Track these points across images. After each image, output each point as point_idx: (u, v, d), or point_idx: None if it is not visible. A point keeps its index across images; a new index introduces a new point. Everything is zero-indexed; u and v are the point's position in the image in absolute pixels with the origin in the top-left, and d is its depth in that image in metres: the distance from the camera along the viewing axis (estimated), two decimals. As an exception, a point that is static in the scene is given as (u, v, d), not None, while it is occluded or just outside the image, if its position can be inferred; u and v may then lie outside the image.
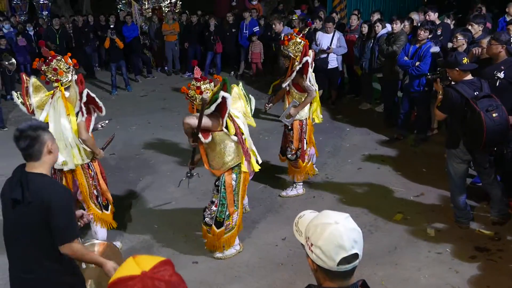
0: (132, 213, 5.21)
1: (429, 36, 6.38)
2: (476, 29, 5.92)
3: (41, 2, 15.90)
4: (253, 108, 4.47)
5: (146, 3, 13.72)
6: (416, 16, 8.22)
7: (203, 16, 12.50)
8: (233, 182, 4.10)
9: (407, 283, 3.84)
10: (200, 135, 3.83)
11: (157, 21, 12.40)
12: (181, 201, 5.37)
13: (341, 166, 6.25)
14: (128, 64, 11.35)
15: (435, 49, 6.15)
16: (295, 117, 5.14)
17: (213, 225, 4.16)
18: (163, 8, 13.85)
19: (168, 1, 14.05)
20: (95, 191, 4.17)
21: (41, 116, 3.93)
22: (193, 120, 3.78)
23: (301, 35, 5.12)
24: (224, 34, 11.36)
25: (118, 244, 4.45)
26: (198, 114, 3.78)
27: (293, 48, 4.98)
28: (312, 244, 1.56)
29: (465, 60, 4.20)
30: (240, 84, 4.60)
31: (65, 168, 3.95)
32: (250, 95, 4.49)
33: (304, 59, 4.90)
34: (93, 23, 12.41)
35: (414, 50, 6.35)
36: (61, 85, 3.93)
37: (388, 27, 7.71)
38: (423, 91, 6.41)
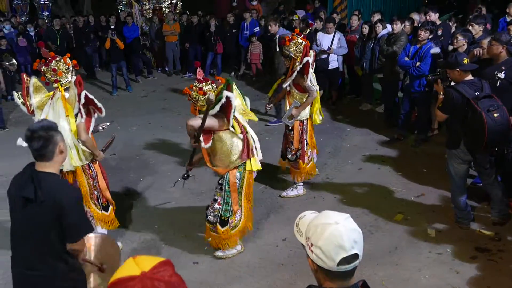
0: (132, 213, 5.21)
1: (430, 37, 6.38)
2: (476, 29, 5.92)
3: (41, 2, 15.90)
4: (248, 107, 4.47)
5: (147, 4, 13.73)
6: (416, 17, 8.22)
7: (204, 17, 12.51)
8: (237, 181, 4.11)
9: (408, 284, 3.84)
10: (201, 139, 3.84)
11: (157, 21, 12.41)
12: (181, 201, 5.37)
13: (341, 167, 6.25)
14: (128, 65, 11.36)
15: (436, 50, 6.14)
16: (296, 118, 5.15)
17: (217, 224, 4.17)
18: (164, 9, 13.86)
19: (169, 1, 14.06)
20: (95, 192, 4.17)
21: (40, 117, 3.92)
22: (196, 122, 3.80)
23: (302, 35, 5.12)
24: (224, 34, 11.38)
25: (118, 244, 4.45)
26: (201, 115, 3.79)
27: (294, 48, 4.98)
28: (312, 244, 1.56)
29: (465, 61, 4.20)
30: (234, 84, 4.60)
31: (64, 169, 3.95)
32: (245, 96, 4.50)
33: (305, 59, 4.91)
34: (94, 24, 12.41)
35: (415, 51, 6.35)
36: (61, 86, 3.93)
37: (389, 27, 7.71)
38: (423, 92, 6.40)
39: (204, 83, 3.93)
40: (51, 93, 4.05)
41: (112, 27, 10.93)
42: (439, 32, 7.10)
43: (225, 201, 4.13)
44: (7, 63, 8.64)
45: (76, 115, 3.86)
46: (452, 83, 4.35)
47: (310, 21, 9.49)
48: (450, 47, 6.11)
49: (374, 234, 4.57)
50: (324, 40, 8.21)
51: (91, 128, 4.02)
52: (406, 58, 6.44)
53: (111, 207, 4.35)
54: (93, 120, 4.03)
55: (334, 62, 8.35)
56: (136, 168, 6.44)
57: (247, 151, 4.07)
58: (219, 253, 4.30)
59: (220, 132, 3.94)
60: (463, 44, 5.61)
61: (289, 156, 5.30)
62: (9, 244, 2.61)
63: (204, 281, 4.00)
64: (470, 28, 5.98)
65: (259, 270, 4.12)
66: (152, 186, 5.84)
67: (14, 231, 2.56)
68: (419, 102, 6.64)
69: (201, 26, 11.80)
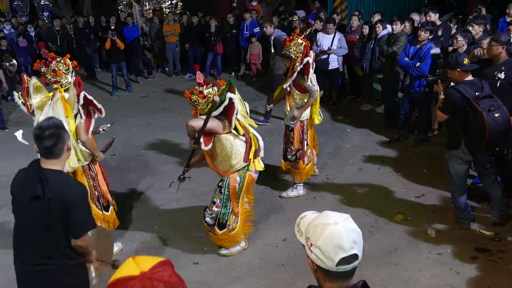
0: (132, 213, 5.21)
1: (430, 37, 6.38)
2: (476, 30, 5.93)
3: (42, 3, 15.90)
4: (248, 111, 4.46)
5: (147, 4, 13.72)
6: (416, 17, 8.22)
7: (204, 17, 12.50)
8: (237, 185, 4.10)
9: (408, 284, 3.84)
10: (201, 140, 3.83)
11: (157, 22, 12.40)
12: (181, 202, 5.37)
13: (341, 167, 6.24)
14: (128, 65, 11.36)
15: (436, 50, 6.14)
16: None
17: (215, 227, 4.17)
18: (164, 9, 13.84)
19: (169, 2, 14.05)
20: (95, 192, 4.17)
21: (40, 117, 3.92)
22: (197, 123, 3.78)
23: (302, 36, 5.12)
24: (224, 35, 11.38)
25: (119, 244, 4.46)
26: (203, 116, 3.78)
27: (294, 49, 4.98)
28: (311, 244, 1.56)
29: (466, 61, 4.20)
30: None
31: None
32: (244, 101, 4.49)
33: (305, 60, 4.91)
34: (94, 24, 12.41)
35: (415, 51, 6.35)
36: (61, 87, 3.93)
37: (389, 28, 7.71)
38: (423, 92, 6.40)
39: (204, 87, 3.92)
40: (51, 93, 4.05)
41: (112, 27, 10.92)
42: (439, 33, 7.10)
43: (223, 204, 4.13)
44: (8, 64, 8.63)
45: (75, 116, 3.86)
46: (452, 84, 4.35)
47: (310, 21, 9.49)
48: (450, 48, 6.12)
49: (374, 235, 4.57)
50: (324, 40, 8.21)
51: (91, 129, 4.02)
52: (406, 59, 6.44)
53: (111, 207, 4.36)
54: (93, 121, 4.03)
55: (334, 62, 8.35)
56: (136, 168, 6.44)
57: (247, 154, 4.06)
58: (223, 251, 4.31)
59: (221, 135, 3.93)
60: (463, 45, 5.61)
61: (289, 156, 5.30)
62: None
63: (204, 281, 4.00)
64: (470, 28, 5.98)
65: (259, 271, 4.12)
66: (152, 187, 5.84)
67: (18, 227, 2.57)
68: (419, 102, 6.64)
69: (201, 27, 11.81)
